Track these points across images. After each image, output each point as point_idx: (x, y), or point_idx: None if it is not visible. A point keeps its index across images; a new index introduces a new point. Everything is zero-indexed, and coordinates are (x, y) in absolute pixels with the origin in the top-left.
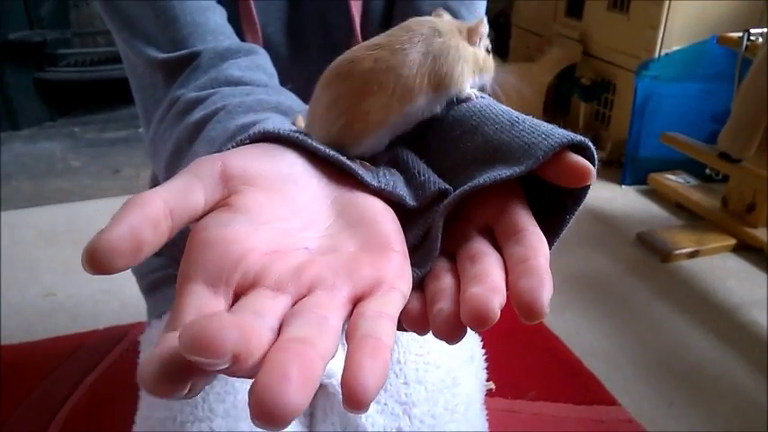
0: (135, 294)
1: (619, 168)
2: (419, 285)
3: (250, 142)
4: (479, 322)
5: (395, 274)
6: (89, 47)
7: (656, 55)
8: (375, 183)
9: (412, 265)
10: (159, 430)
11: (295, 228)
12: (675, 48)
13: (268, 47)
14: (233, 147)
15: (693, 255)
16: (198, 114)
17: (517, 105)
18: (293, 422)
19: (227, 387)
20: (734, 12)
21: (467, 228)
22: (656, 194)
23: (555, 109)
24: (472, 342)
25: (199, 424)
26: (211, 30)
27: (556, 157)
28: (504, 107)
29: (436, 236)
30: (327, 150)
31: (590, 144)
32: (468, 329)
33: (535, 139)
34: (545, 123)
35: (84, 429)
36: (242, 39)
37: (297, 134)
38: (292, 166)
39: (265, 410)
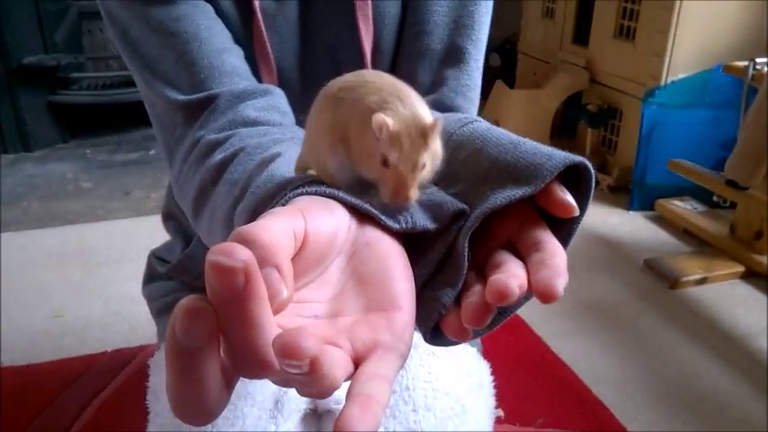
0: (143, 317)
1: (626, 194)
2: (457, 300)
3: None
4: (500, 297)
5: (395, 334)
6: (102, 71)
7: (663, 83)
8: (397, 226)
9: (441, 282)
10: None
11: (311, 289)
12: (681, 75)
13: (282, 82)
14: (283, 199)
15: (701, 282)
16: (218, 156)
17: (523, 131)
18: None
19: (236, 413)
20: (739, 41)
21: (490, 245)
22: (663, 220)
23: (561, 135)
24: (481, 368)
25: None
26: (228, 72)
27: (547, 188)
28: (502, 130)
29: (463, 254)
30: (361, 203)
31: (589, 164)
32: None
33: (539, 160)
34: (544, 145)
35: None
36: (257, 75)
37: (337, 192)
38: (340, 218)
39: None
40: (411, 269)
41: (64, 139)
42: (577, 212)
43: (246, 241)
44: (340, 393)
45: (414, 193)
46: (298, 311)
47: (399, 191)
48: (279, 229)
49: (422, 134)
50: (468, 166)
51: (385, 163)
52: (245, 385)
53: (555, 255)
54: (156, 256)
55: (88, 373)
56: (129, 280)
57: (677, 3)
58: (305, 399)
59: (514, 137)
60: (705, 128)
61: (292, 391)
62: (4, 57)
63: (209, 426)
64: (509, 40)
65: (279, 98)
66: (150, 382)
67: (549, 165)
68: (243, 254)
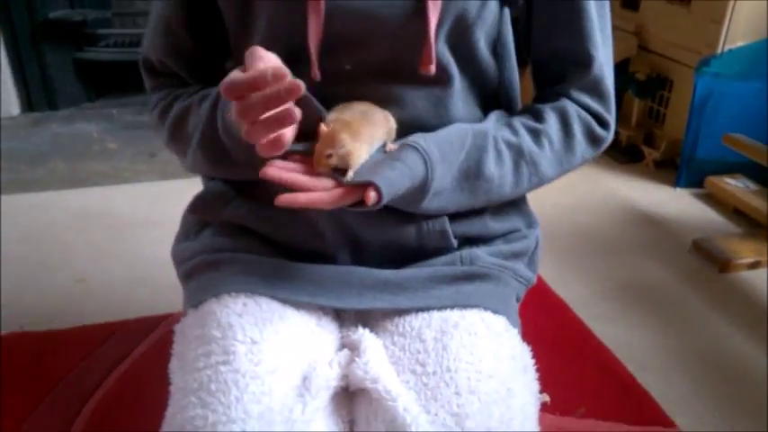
0: (167, 283)
1: (673, 170)
2: None
3: None
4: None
5: None
6: (129, 27)
7: (719, 51)
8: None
9: None
10: (189, 429)
11: None
12: (740, 44)
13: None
14: None
15: (754, 266)
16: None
17: None
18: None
19: (263, 388)
20: None
21: None
22: (712, 199)
23: None
24: (523, 352)
25: (231, 425)
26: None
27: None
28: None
29: None
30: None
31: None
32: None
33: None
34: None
35: (112, 421)
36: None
37: None
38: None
39: None
40: None
41: (90, 98)
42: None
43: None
44: (377, 370)
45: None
46: None
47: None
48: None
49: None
50: None
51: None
52: (273, 359)
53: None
54: (190, 213)
55: (110, 340)
56: (153, 245)
57: None
58: (334, 375)
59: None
60: (762, 101)
61: (321, 367)
62: (29, 11)
63: (234, 400)
64: None
65: None
66: (174, 349)
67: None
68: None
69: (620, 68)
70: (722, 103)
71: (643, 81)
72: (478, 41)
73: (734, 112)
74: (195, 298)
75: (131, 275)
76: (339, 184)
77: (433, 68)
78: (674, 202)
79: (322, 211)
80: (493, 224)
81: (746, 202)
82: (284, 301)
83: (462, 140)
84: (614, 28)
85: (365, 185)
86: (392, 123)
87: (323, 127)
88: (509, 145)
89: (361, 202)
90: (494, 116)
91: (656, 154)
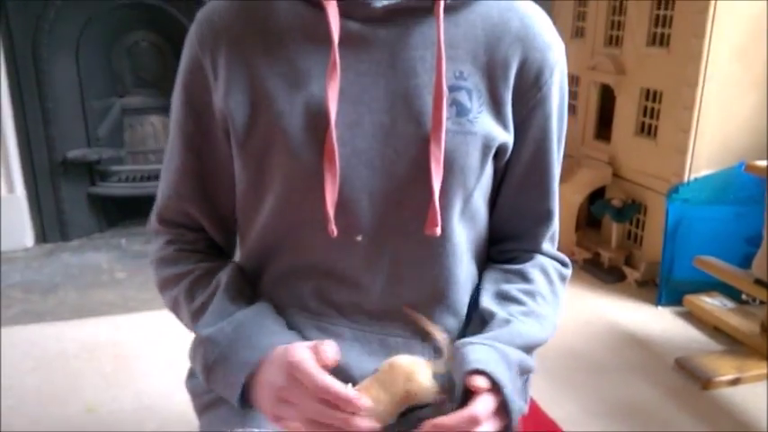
0: (177, 410)
1: (654, 288)
2: None
3: None
4: None
5: None
6: (140, 163)
7: (686, 179)
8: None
9: None
10: None
11: None
12: (704, 173)
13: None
14: None
15: (735, 382)
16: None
17: None
18: None
19: None
20: (761, 139)
21: None
22: (692, 317)
23: (587, 227)
24: None
25: None
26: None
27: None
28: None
29: None
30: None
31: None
32: None
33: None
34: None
35: None
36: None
37: None
38: None
39: None
40: None
41: (100, 229)
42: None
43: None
44: None
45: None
46: None
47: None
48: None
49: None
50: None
51: None
52: None
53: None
54: None
55: None
56: (160, 373)
57: (697, 103)
58: None
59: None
60: (730, 223)
61: None
62: (50, 151)
63: None
64: None
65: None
66: None
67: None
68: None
69: (598, 195)
70: (693, 227)
71: (619, 207)
72: (477, 200)
73: (705, 234)
74: (212, 427)
75: (140, 405)
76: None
77: (438, 231)
78: (657, 321)
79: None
80: None
81: (724, 321)
82: None
83: (507, 352)
84: (589, 158)
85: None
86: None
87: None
88: (525, 314)
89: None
90: (488, 292)
91: (637, 274)
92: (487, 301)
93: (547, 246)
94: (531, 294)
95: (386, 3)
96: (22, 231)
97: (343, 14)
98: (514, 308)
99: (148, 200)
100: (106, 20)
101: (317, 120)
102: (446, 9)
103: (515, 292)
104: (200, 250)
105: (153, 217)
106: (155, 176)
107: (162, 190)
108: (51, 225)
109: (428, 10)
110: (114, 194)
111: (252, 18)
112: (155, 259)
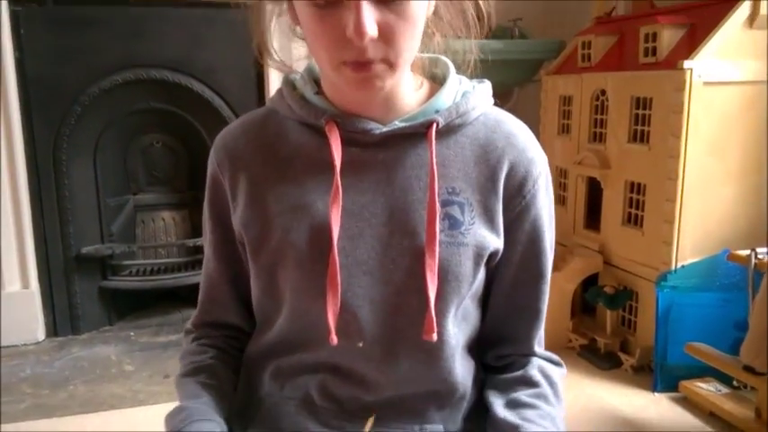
0: None
1: (649, 374)
2: None
3: None
4: None
5: None
6: (150, 258)
7: (673, 267)
8: None
9: None
10: None
11: None
12: (690, 261)
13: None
14: None
15: None
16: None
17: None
18: None
19: None
20: (743, 227)
21: None
22: (688, 402)
23: (582, 314)
24: None
25: None
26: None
27: None
28: None
29: None
30: None
31: None
32: None
33: None
34: None
35: None
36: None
37: None
38: None
39: None
40: None
41: (110, 322)
42: None
43: None
44: None
45: None
46: None
47: None
48: None
49: None
50: None
51: None
52: None
53: None
54: None
55: None
56: None
57: (678, 195)
58: None
59: None
60: (718, 309)
61: None
62: (65, 247)
63: None
64: None
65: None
66: None
67: None
68: None
69: (591, 282)
70: (684, 313)
71: (611, 294)
72: (470, 302)
73: (695, 320)
74: None
75: None
76: None
77: (434, 337)
78: (654, 407)
79: None
80: None
81: (719, 406)
82: None
83: None
84: (581, 246)
85: None
86: None
87: None
88: (541, 417)
89: None
90: (499, 403)
91: (633, 360)
92: (502, 412)
93: (538, 348)
94: (540, 397)
95: (384, 130)
96: (34, 326)
97: (345, 142)
98: (530, 413)
99: (157, 292)
100: (123, 124)
101: (321, 236)
102: (438, 134)
103: (525, 398)
104: (218, 346)
105: (189, 323)
106: (164, 270)
107: (200, 299)
108: (63, 319)
109: (422, 135)
110: (125, 288)
111: (262, 144)
112: (181, 354)
